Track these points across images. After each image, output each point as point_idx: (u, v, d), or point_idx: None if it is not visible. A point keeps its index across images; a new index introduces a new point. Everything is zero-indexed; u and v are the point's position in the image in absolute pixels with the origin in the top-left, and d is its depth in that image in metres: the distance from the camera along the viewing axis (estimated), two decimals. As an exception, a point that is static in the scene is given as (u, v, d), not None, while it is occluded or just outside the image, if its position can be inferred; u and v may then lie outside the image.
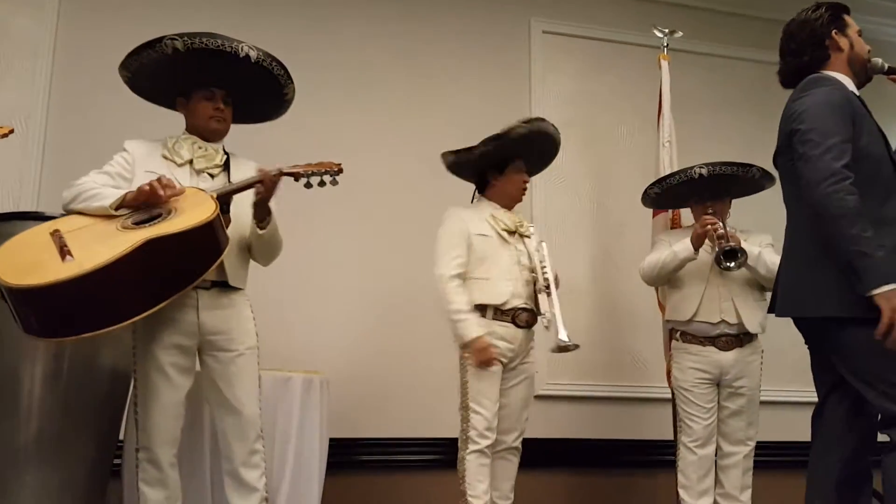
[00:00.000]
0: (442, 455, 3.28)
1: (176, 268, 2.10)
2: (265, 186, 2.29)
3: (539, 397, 3.78)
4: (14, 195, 3.35)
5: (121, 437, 2.67)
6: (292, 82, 2.58)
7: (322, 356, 3.35)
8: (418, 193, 3.70)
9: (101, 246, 2.01)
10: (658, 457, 3.63)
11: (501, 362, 2.79)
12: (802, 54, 2.22)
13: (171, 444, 2.27)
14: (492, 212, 2.94)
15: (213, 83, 2.47)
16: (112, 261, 1.95)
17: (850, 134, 2.01)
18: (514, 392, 2.85)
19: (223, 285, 2.36)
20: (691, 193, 3.24)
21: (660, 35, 3.93)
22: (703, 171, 3.11)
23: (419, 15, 4.10)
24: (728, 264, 2.91)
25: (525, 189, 3.01)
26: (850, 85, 2.17)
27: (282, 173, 2.32)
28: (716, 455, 3.08)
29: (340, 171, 2.46)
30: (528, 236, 2.94)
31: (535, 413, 3.61)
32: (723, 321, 3.04)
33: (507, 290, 2.81)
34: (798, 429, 3.88)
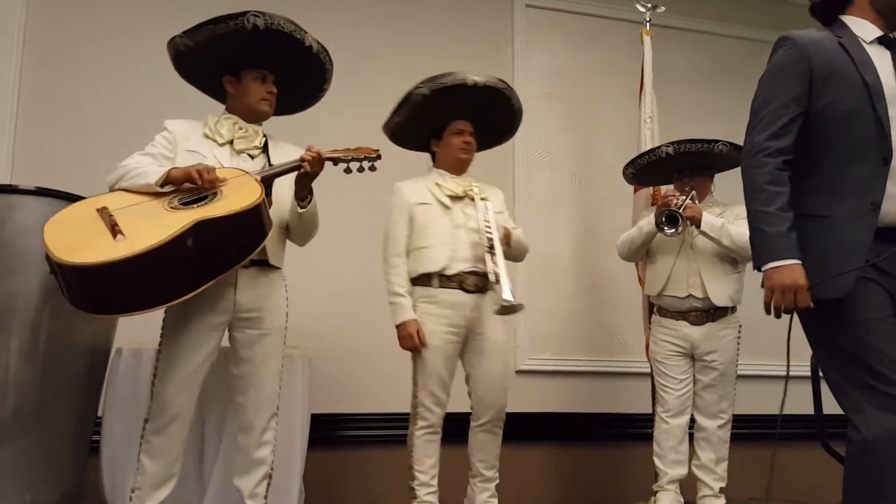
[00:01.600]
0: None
1: (223, 249, 2.13)
2: (311, 168, 2.33)
3: (521, 372, 3.83)
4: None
5: (99, 413, 2.68)
6: (331, 79, 2.66)
7: (304, 332, 3.34)
8: (402, 168, 3.66)
9: (150, 225, 2.03)
10: (638, 430, 3.67)
11: (455, 334, 2.74)
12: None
13: (183, 419, 2.29)
14: (437, 179, 2.90)
15: (267, 66, 2.51)
16: (164, 242, 1.97)
17: (797, 95, 1.88)
18: (482, 364, 2.78)
19: (263, 264, 2.40)
20: (670, 170, 3.28)
21: (642, 10, 3.93)
22: (670, 149, 3.17)
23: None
24: (666, 229, 2.95)
25: (465, 149, 2.89)
26: (867, 29, 1.93)
27: (323, 158, 2.36)
28: (692, 428, 3.13)
29: (378, 157, 2.51)
30: (481, 199, 2.84)
31: (517, 388, 3.65)
32: (690, 295, 3.08)
33: (445, 255, 2.74)
34: (775, 402, 3.97)
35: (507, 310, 2.57)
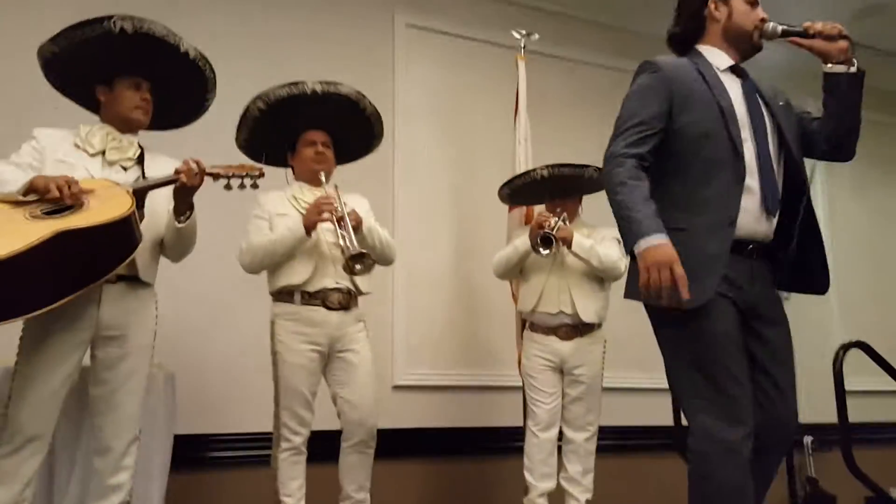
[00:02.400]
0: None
1: (86, 262, 2.01)
2: (188, 181, 2.25)
3: (397, 388, 3.82)
4: None
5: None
6: (215, 89, 2.57)
7: (169, 349, 3.19)
8: (273, 182, 3.59)
9: (7, 234, 1.90)
10: (510, 443, 3.74)
11: (317, 352, 2.68)
12: (679, 24, 2.19)
13: (39, 441, 2.12)
14: (294, 193, 2.85)
15: (141, 73, 2.40)
16: (19, 252, 1.85)
17: (658, 113, 1.99)
18: (350, 383, 2.72)
19: (131, 279, 2.28)
20: (543, 191, 3.41)
21: (518, 37, 4.06)
22: (545, 172, 3.30)
23: (282, 4, 4.00)
24: (540, 250, 3.07)
25: (317, 159, 2.84)
26: (720, 58, 2.09)
27: (204, 173, 2.29)
28: (561, 440, 3.22)
29: (261, 175, 2.45)
30: (333, 187, 2.79)
31: (393, 403, 3.64)
32: (561, 311, 3.19)
33: (307, 269, 2.69)
34: (640, 414, 4.22)
35: (356, 259, 2.52)
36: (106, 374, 2.26)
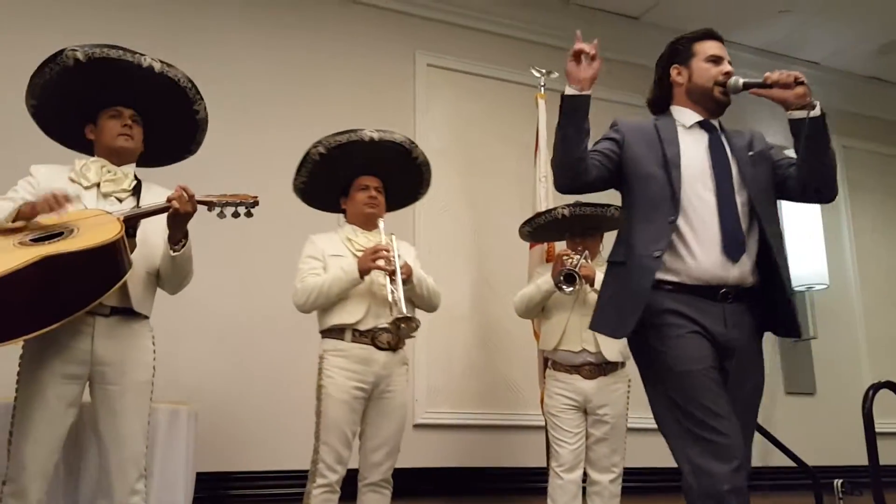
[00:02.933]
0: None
1: (72, 289, 2.00)
2: (180, 208, 2.23)
3: (417, 426, 3.79)
4: None
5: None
6: (202, 98, 2.53)
7: (190, 386, 3.20)
8: (292, 223, 3.63)
9: None
10: (532, 483, 3.68)
11: (363, 390, 2.72)
12: (652, 91, 2.33)
13: (42, 478, 2.13)
14: (348, 235, 2.92)
15: (119, 102, 2.43)
16: (3, 274, 1.84)
17: (610, 146, 2.18)
18: (383, 422, 2.76)
19: (126, 312, 2.28)
20: (564, 229, 3.42)
21: (537, 75, 4.09)
22: (566, 211, 3.31)
23: (308, 41, 4.09)
24: (565, 288, 3.06)
25: (371, 203, 2.92)
26: (686, 116, 2.21)
27: (192, 199, 2.27)
28: (585, 482, 3.17)
29: (256, 203, 2.42)
30: (389, 235, 2.85)
31: (412, 442, 3.60)
32: (584, 350, 3.16)
33: (360, 308, 2.74)
34: (666, 455, 4.10)
35: (402, 321, 2.59)
36: (106, 412, 2.24)
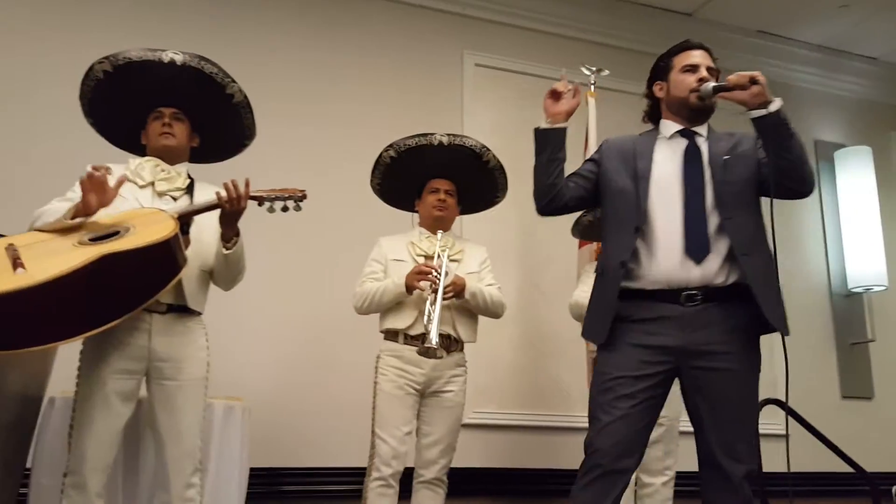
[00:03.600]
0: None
1: (130, 286, 2.05)
2: (229, 204, 2.28)
3: (465, 426, 3.77)
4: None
5: (28, 465, 2.55)
6: (234, 81, 2.53)
7: (245, 382, 3.26)
8: (347, 220, 3.67)
9: (55, 259, 1.95)
10: (581, 485, 3.66)
11: (415, 389, 2.79)
12: (645, 110, 2.43)
13: (102, 471, 2.19)
14: (413, 238, 2.98)
15: (161, 104, 2.48)
16: (64, 273, 1.89)
17: (589, 166, 2.36)
18: (436, 421, 2.83)
19: (180, 309, 2.33)
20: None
21: (587, 73, 4.04)
22: None
23: (356, 43, 4.12)
24: None
25: (439, 206, 2.99)
26: (668, 127, 2.30)
27: (242, 194, 2.30)
28: (636, 485, 3.13)
29: (304, 197, 2.44)
30: (441, 250, 2.88)
31: (461, 442, 3.61)
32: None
33: (413, 314, 2.82)
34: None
35: (427, 352, 2.63)
36: (162, 407, 2.30)
